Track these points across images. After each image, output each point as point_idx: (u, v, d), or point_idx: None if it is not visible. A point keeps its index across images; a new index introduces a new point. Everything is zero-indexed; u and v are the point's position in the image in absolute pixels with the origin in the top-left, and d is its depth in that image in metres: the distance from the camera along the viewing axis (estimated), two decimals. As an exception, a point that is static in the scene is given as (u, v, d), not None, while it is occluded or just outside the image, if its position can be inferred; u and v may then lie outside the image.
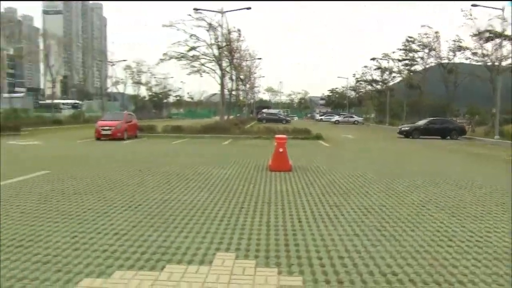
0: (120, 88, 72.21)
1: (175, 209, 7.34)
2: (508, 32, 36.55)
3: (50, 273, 4.46)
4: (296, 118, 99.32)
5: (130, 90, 76.78)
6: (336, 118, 77.79)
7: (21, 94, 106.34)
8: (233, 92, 54.73)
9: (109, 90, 78.40)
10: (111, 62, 64.28)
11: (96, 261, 4.80)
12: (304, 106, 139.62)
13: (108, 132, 24.70)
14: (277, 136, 13.15)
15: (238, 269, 4.62)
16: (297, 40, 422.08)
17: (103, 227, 6.18)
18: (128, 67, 68.63)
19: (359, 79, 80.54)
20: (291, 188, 9.51)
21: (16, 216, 6.79)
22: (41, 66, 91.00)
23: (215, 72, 37.72)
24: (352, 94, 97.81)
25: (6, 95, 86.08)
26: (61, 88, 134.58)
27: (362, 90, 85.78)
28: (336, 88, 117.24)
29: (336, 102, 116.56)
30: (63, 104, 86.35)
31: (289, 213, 7.16)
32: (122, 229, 6.05)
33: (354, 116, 78.92)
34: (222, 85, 38.66)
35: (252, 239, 5.69)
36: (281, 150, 12.40)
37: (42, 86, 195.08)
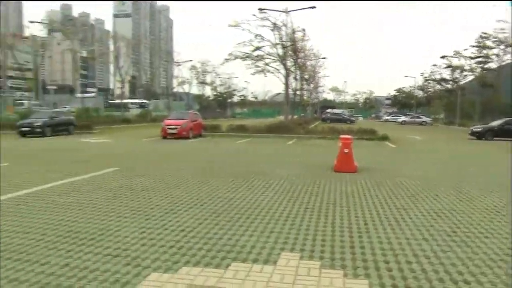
0: (186, 87, 74.03)
1: (240, 207, 7.43)
2: None
3: (120, 266, 4.65)
4: (361, 118, 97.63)
5: (195, 89, 78.52)
6: (403, 118, 75.63)
7: (93, 94, 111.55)
8: (297, 92, 54.62)
9: (175, 90, 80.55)
10: (177, 62, 66.03)
11: (163, 256, 4.95)
12: (369, 106, 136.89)
13: (174, 131, 25.38)
14: (342, 136, 12.98)
15: (303, 270, 4.60)
16: (363, 39, 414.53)
17: (170, 223, 6.35)
18: (193, 67, 70.25)
19: (427, 78, 77.89)
20: (357, 189, 9.36)
21: (89, 210, 7.13)
22: (111, 67, 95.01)
23: (280, 72, 37.81)
24: (420, 93, 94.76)
25: (79, 95, 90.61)
26: (129, 88, 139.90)
27: (430, 89, 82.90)
28: (403, 87, 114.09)
29: (402, 102, 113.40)
30: (131, 103, 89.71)
31: (354, 215, 7.05)
32: (188, 226, 6.20)
33: (421, 116, 76.36)
34: (287, 84, 38.66)
35: (317, 240, 5.65)
36: (346, 150, 12.24)
37: (111, 86, 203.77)
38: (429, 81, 78.01)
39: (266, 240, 5.59)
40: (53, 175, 10.84)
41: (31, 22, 49.80)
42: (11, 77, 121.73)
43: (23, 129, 26.47)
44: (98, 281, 4.25)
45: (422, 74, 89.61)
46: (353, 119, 72.48)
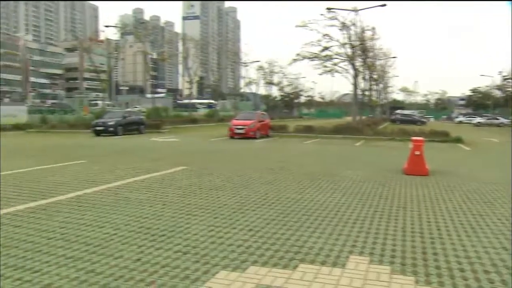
0: (253, 88, 74.66)
1: (308, 208, 7.40)
2: None
3: (189, 262, 4.76)
4: (432, 120, 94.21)
5: (262, 90, 78.98)
6: (478, 119, 72.11)
7: (162, 95, 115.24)
8: (366, 92, 53.61)
9: (242, 90, 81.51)
10: (245, 63, 66.74)
11: (232, 255, 5.02)
12: (442, 107, 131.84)
13: (241, 131, 25.66)
14: (413, 138, 12.59)
15: (372, 274, 4.51)
16: (435, 37, 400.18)
17: (238, 222, 6.44)
18: (260, 68, 70.60)
19: (506, 77, 73.85)
20: (428, 193, 9.05)
21: (159, 207, 7.37)
22: (180, 68, 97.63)
23: (348, 72, 37.26)
24: (498, 93, 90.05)
25: (149, 95, 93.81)
26: (197, 88, 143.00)
27: (509, 89, 78.57)
28: (479, 87, 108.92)
29: (477, 102, 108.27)
30: (199, 103, 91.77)
31: (426, 219, 6.82)
32: (256, 226, 6.25)
33: (499, 117, 72.45)
34: (355, 85, 38.04)
35: (387, 244, 5.52)
36: (417, 152, 11.87)
37: (180, 87, 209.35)
38: (509, 80, 73.95)
39: (334, 243, 5.54)
40: (125, 173, 11.29)
41: (106, 26, 52.17)
42: (87, 79, 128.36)
43: (97, 128, 27.76)
44: (169, 276, 4.38)
45: (500, 72, 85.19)
46: (424, 120, 69.98)
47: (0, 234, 5.74)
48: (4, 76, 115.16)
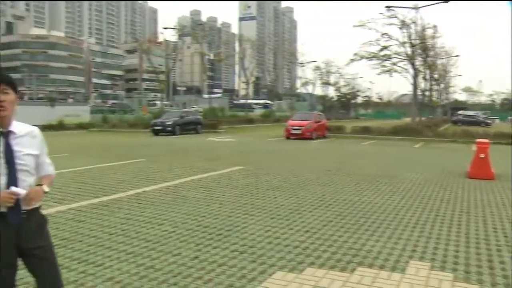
0: (309, 88, 74.23)
1: (365, 211, 7.27)
2: None
3: (246, 262, 4.80)
4: (497, 121, 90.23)
5: (318, 90, 78.38)
6: (549, 121, 68.39)
7: (219, 95, 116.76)
8: (426, 93, 52.08)
9: (298, 91, 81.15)
10: (301, 63, 66.38)
11: (288, 256, 5.01)
12: (508, 107, 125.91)
13: (298, 132, 25.57)
14: (478, 140, 12.10)
15: (434, 281, 4.37)
16: (503, 34, 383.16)
17: (295, 223, 6.42)
18: (317, 68, 69.92)
19: None
20: (494, 198, 8.66)
21: (216, 206, 7.47)
22: (236, 69, 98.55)
23: (407, 72, 36.35)
24: None
25: (206, 95, 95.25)
26: (253, 88, 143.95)
27: None
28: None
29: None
30: (255, 104, 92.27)
31: (492, 226, 6.53)
32: (313, 227, 6.21)
33: None
34: (415, 85, 37.05)
35: (449, 250, 5.33)
36: (482, 155, 11.39)
37: (236, 87, 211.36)
38: None
39: (393, 246, 5.41)
40: (183, 172, 11.53)
41: (165, 28, 53.44)
42: (146, 80, 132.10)
43: (156, 127, 28.49)
44: (226, 275, 4.43)
45: None
46: (489, 121, 67.03)
47: (66, 228, 6.01)
48: (69, 77, 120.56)
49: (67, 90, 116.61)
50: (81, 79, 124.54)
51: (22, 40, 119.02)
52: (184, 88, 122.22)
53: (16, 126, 2.59)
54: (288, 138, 25.67)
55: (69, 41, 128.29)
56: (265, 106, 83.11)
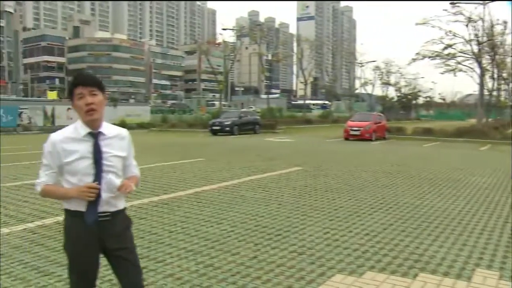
0: (368, 88, 73.01)
1: (428, 215, 7.06)
2: None
3: (304, 263, 4.78)
4: None
5: (378, 91, 76.96)
6: None
7: (276, 95, 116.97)
8: (493, 93, 49.88)
9: (357, 91, 79.90)
10: (360, 63, 65.39)
11: (348, 258, 4.95)
12: None
13: (357, 133, 25.21)
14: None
15: (503, 290, 4.19)
16: None
17: (354, 226, 6.33)
18: (377, 68, 68.60)
19: None
20: None
21: (275, 206, 7.49)
22: (294, 69, 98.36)
23: (473, 71, 34.99)
24: None
25: (263, 96, 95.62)
26: (311, 89, 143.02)
27: None
28: None
29: None
30: (313, 104, 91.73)
31: None
32: (373, 230, 6.10)
33: None
34: (482, 84, 35.60)
35: (520, 259, 5.08)
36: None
37: (294, 88, 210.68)
38: None
39: (458, 253, 5.22)
40: (241, 171, 11.65)
41: (224, 29, 54.37)
42: (204, 80, 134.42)
43: (214, 127, 28.96)
44: (284, 276, 4.43)
45: None
46: None
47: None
48: (130, 78, 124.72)
49: (129, 90, 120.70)
50: (142, 80, 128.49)
51: (87, 43, 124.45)
52: (242, 89, 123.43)
53: (106, 128, 2.65)
54: (346, 139, 25.37)
55: (131, 43, 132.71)
56: (323, 106, 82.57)
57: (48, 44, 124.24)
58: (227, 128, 28.67)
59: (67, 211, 2.64)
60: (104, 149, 2.59)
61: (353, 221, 6.61)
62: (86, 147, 2.56)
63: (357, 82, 73.62)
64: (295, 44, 71.04)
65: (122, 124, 36.43)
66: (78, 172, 2.55)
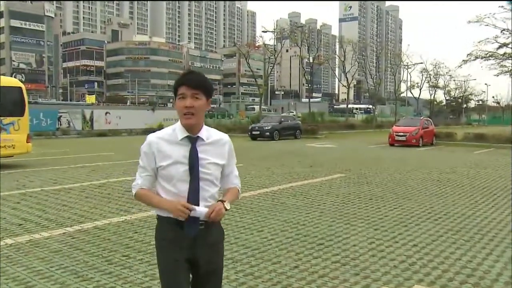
0: (415, 92, 71.74)
1: (481, 227, 6.84)
2: None
3: (348, 274, 4.71)
4: None
5: (425, 94, 75.64)
6: None
7: (318, 99, 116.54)
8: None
9: (402, 95, 78.64)
10: (406, 65, 64.25)
11: (394, 271, 4.85)
12: None
13: (403, 138, 24.78)
14: None
15: None
16: None
17: (401, 236, 6.21)
18: (424, 70, 67.21)
19: None
20: None
21: (316, 214, 7.44)
22: (336, 72, 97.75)
23: (532, 72, 33.74)
24: None
25: (304, 100, 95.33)
26: (354, 92, 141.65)
27: None
28: None
29: None
30: (356, 108, 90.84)
31: None
32: (421, 242, 5.96)
33: None
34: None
35: None
36: None
37: (336, 91, 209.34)
38: None
39: (516, 268, 5.02)
40: (282, 178, 11.64)
41: (264, 31, 54.35)
42: (243, 84, 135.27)
43: (254, 132, 29.04)
44: (327, 287, 4.38)
45: None
46: None
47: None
48: (169, 82, 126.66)
49: (167, 94, 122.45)
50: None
51: (126, 46, 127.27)
52: (282, 92, 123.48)
53: (205, 133, 2.58)
54: (392, 145, 24.99)
55: (169, 47, 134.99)
56: (366, 111, 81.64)
57: (87, 48, 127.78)
58: (267, 133, 28.71)
59: (159, 218, 2.59)
60: (201, 155, 2.52)
61: (400, 231, 6.48)
62: (182, 152, 2.51)
63: (403, 85, 72.41)
64: (337, 46, 70.53)
65: (160, 128, 37.07)
66: (173, 178, 2.50)
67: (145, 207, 7.81)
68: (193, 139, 2.53)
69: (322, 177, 11.87)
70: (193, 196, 2.48)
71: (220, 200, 2.55)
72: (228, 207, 2.52)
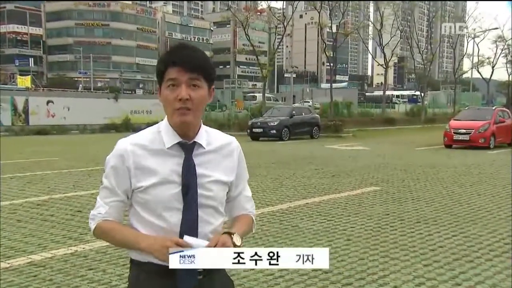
0: (485, 71, 71.37)
1: None
2: None
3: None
4: None
5: (500, 74, 75.18)
6: None
7: (343, 84, 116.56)
8: None
9: (466, 76, 78.32)
10: (473, 33, 63.86)
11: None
12: None
13: (465, 138, 24.66)
14: None
15: None
16: None
17: (463, 276, 6.11)
18: (500, 39, 66.25)
19: None
20: None
21: (341, 243, 7.40)
22: (370, 46, 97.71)
23: None
24: None
25: (325, 85, 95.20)
26: (394, 74, 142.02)
27: None
28: None
29: None
30: (397, 96, 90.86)
31: None
32: (495, 285, 5.88)
33: None
34: None
35: None
36: None
37: (369, 73, 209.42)
38: None
39: None
40: (293, 192, 11.66)
41: (269, -12, 54.34)
42: (241, 63, 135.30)
43: (255, 130, 29.05)
44: None
45: None
46: None
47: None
48: (137, 60, 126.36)
49: (136, 77, 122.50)
50: (154, 62, 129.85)
51: (74, 8, 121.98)
52: (294, 75, 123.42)
53: (205, 136, 2.42)
54: (448, 146, 24.96)
55: (137, 10, 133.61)
56: (412, 99, 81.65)
57: (16, 7, 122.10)
58: (273, 131, 28.73)
59: (136, 264, 2.40)
60: (200, 170, 2.35)
61: (462, 268, 6.40)
62: (171, 166, 2.33)
63: (466, 61, 72.02)
64: (371, 9, 70.46)
65: (126, 124, 37.04)
66: (158, 205, 2.31)
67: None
68: (187, 147, 2.34)
69: (349, 191, 11.88)
70: (189, 232, 2.26)
71: (226, 232, 2.33)
72: (238, 242, 2.28)
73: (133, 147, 2.34)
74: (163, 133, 2.36)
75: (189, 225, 2.27)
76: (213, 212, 2.36)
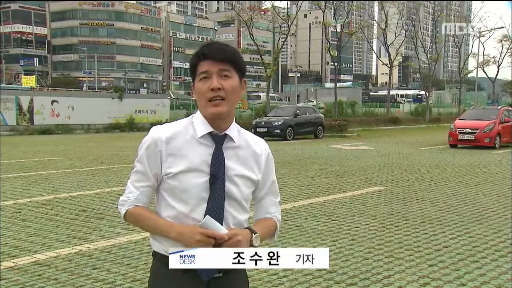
0: (490, 70, 71.37)
1: None
2: None
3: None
4: None
5: (505, 73, 75.12)
6: None
7: (348, 83, 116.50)
8: None
9: (471, 75, 78.15)
10: (478, 32, 63.80)
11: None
12: None
13: (470, 137, 24.60)
14: None
15: None
16: None
17: (469, 276, 6.09)
18: (505, 38, 66.15)
19: None
20: None
21: (345, 243, 7.38)
22: (374, 45, 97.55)
23: None
24: None
25: (329, 84, 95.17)
26: (399, 73, 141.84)
27: None
28: None
29: None
30: (402, 96, 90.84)
31: None
32: (500, 285, 5.86)
33: None
34: None
35: None
36: None
37: (373, 72, 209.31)
38: None
39: None
40: (297, 192, 11.67)
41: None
42: (245, 63, 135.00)
43: (259, 129, 29.00)
44: None
45: None
46: None
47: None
48: (141, 59, 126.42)
49: (140, 77, 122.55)
50: (158, 62, 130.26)
51: (79, 8, 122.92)
52: (299, 75, 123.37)
53: (236, 131, 2.46)
54: (453, 146, 24.91)
55: (141, 10, 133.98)
56: (417, 99, 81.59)
57: (21, 7, 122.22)
58: (277, 131, 28.73)
59: (158, 257, 2.44)
60: (229, 162, 2.38)
61: (467, 268, 6.39)
62: (201, 155, 2.36)
63: (471, 61, 71.86)
64: (376, 8, 70.40)
65: (131, 124, 37.08)
66: (184, 192, 2.33)
67: (109, 232, 7.78)
68: (218, 138, 2.39)
69: (354, 191, 11.87)
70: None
71: (249, 229, 2.37)
72: (256, 243, 2.30)
73: (166, 134, 2.38)
74: (195, 124, 2.40)
75: (213, 215, 2.28)
76: (237, 206, 2.39)
